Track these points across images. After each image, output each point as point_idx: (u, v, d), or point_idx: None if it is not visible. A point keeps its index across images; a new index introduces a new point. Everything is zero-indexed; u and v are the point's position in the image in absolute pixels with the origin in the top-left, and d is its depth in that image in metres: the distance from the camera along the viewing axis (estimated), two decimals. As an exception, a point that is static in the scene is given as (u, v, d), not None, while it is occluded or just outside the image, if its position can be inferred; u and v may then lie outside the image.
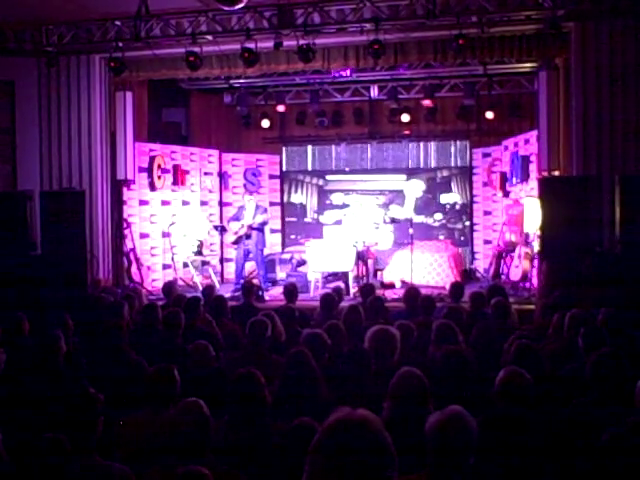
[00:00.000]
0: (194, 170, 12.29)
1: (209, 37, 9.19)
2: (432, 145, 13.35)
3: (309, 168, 13.91)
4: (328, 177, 13.75)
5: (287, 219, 13.74)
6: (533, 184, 10.15)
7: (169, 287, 8.08)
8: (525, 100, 12.13)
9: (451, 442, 2.61)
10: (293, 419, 3.28)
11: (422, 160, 13.44)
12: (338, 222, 12.59)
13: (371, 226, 11.62)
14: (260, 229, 10.38)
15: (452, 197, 13.18)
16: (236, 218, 10.50)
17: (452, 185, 13.20)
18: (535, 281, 9.36)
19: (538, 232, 8.85)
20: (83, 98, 10.10)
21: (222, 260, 12.54)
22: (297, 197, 13.85)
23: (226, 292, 9.24)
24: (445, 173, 13.30)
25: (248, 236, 10.26)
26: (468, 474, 2.63)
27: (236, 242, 10.42)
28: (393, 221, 11.67)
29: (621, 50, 8.56)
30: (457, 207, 13.19)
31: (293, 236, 13.62)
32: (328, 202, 13.73)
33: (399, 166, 13.49)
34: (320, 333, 4.80)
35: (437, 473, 2.62)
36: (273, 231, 13.05)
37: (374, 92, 12.85)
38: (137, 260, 10.71)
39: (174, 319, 5.62)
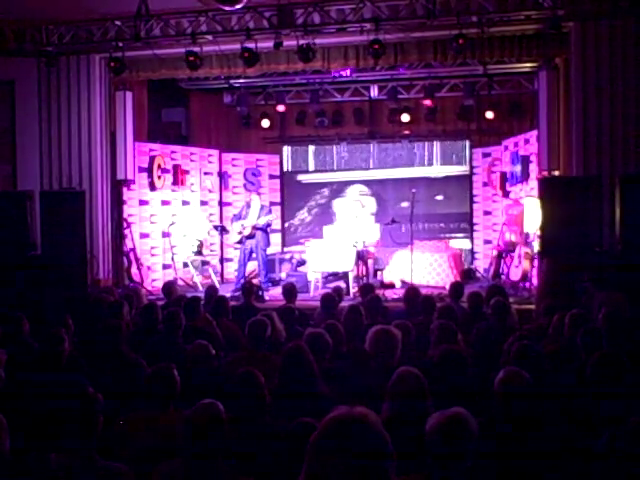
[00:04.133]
0: (194, 170, 12.30)
1: (209, 37, 9.20)
2: (432, 145, 13.36)
3: (310, 168, 13.92)
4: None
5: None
6: (533, 184, 10.15)
7: (169, 287, 8.07)
8: (525, 100, 12.14)
9: (451, 443, 2.60)
10: (292, 416, 3.28)
11: (422, 160, 13.44)
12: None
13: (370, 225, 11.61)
14: (264, 229, 10.39)
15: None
16: (239, 216, 10.50)
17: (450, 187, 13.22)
18: (535, 281, 9.36)
19: (538, 232, 8.85)
20: (83, 98, 10.10)
21: (222, 260, 12.54)
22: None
23: (226, 292, 9.24)
24: (444, 173, 13.31)
25: (252, 236, 10.26)
26: (467, 475, 2.63)
27: (239, 242, 10.43)
28: (393, 221, 11.61)
29: (621, 50, 8.57)
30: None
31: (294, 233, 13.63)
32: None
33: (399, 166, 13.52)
34: (322, 332, 4.80)
35: (436, 473, 2.62)
36: (273, 231, 13.03)
37: (374, 92, 12.85)
38: (137, 260, 10.71)
39: (174, 319, 5.62)
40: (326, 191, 13.71)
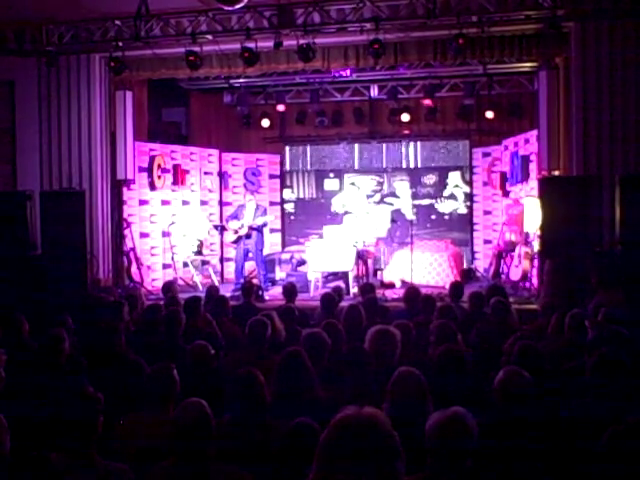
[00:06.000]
0: (194, 170, 12.29)
1: (209, 37, 9.20)
2: (432, 145, 13.36)
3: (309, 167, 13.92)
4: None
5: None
6: (533, 184, 10.15)
7: (169, 287, 8.07)
8: (525, 100, 12.14)
9: (450, 443, 2.60)
10: (289, 418, 3.28)
11: (422, 160, 13.44)
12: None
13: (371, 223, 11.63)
14: (259, 230, 10.39)
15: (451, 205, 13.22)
16: (235, 217, 10.49)
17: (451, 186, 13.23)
18: (535, 281, 9.36)
19: (538, 232, 8.85)
20: (83, 98, 10.10)
21: (222, 260, 12.53)
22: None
23: (226, 292, 9.23)
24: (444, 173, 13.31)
25: (248, 236, 10.26)
26: (467, 475, 2.63)
27: (236, 242, 10.43)
28: (394, 221, 11.67)
29: (621, 50, 8.56)
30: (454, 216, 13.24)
31: (294, 237, 13.62)
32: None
33: (399, 166, 13.52)
34: (320, 332, 4.79)
35: (435, 473, 2.62)
36: (273, 231, 13.06)
37: (374, 92, 12.85)
38: (137, 260, 10.71)
39: (174, 319, 5.61)
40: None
